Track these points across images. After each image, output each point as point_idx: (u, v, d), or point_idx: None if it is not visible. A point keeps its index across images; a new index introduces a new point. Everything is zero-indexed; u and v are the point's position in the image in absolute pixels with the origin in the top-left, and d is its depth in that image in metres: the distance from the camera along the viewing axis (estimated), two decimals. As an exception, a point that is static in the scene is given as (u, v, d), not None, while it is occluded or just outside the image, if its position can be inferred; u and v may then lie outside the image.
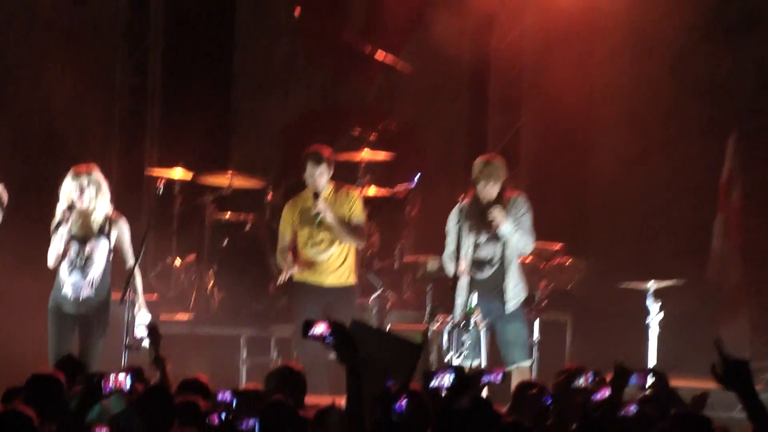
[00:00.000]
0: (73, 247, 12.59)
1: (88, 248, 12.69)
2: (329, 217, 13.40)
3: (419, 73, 17.19)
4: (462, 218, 12.94)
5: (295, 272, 13.76)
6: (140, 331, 10.81)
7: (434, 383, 8.22)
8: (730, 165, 15.35)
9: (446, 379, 8.08)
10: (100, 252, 12.58)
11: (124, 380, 7.41)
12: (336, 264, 13.78)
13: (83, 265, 12.71)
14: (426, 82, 17.44)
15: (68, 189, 12.48)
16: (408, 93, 17.61)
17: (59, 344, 12.36)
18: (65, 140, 17.54)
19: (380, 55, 16.67)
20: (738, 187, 15.47)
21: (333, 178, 13.67)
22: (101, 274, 12.58)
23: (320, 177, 13.37)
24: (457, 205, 13.09)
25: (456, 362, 12.39)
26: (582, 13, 17.07)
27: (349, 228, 13.69)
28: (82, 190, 12.50)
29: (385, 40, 17.03)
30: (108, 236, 12.64)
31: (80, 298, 12.63)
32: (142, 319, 12.72)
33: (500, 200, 12.68)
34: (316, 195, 13.31)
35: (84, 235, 12.59)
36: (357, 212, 13.74)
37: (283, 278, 13.96)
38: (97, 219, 12.54)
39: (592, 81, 17.31)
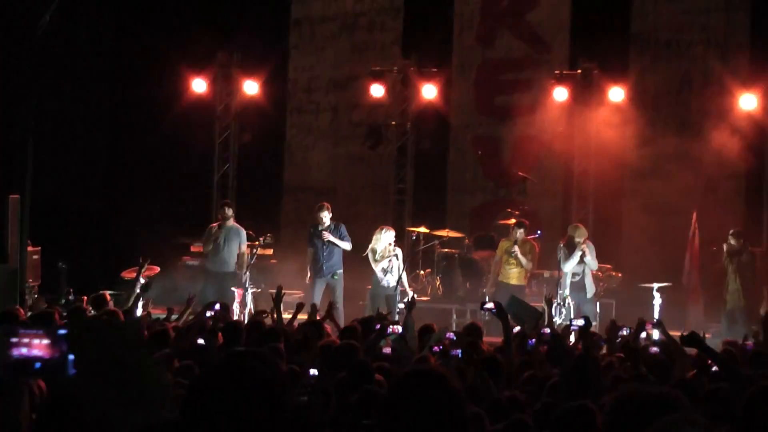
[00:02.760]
0: (388, 263, 16.61)
1: (392, 263, 16.62)
2: (519, 254, 17.23)
3: (538, 182, 20.75)
4: (564, 251, 16.97)
5: (490, 286, 17.28)
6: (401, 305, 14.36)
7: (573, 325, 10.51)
8: (693, 226, 18.77)
9: (579, 321, 10.15)
10: (396, 265, 16.62)
11: (397, 329, 9.69)
12: (516, 274, 17.41)
13: (390, 271, 16.64)
14: (541, 187, 20.89)
15: (389, 236, 16.61)
16: (533, 192, 21.01)
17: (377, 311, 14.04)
18: (367, 214, 21.10)
19: (520, 173, 20.39)
20: (697, 236, 18.75)
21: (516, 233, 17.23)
22: (396, 276, 16.44)
23: (519, 233, 17.40)
24: (560, 244, 17.09)
25: (558, 321, 15.52)
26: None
27: (523, 260, 17.18)
28: (393, 238, 16.71)
29: (522, 166, 20.55)
30: (397, 258, 16.66)
31: (389, 286, 16.54)
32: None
33: (582, 243, 16.84)
34: (515, 242, 17.27)
35: (389, 256, 16.63)
36: (531, 255, 17.36)
37: (487, 286, 17.54)
38: (391, 249, 16.66)
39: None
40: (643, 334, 10.77)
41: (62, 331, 2.39)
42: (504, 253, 17.41)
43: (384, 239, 16.68)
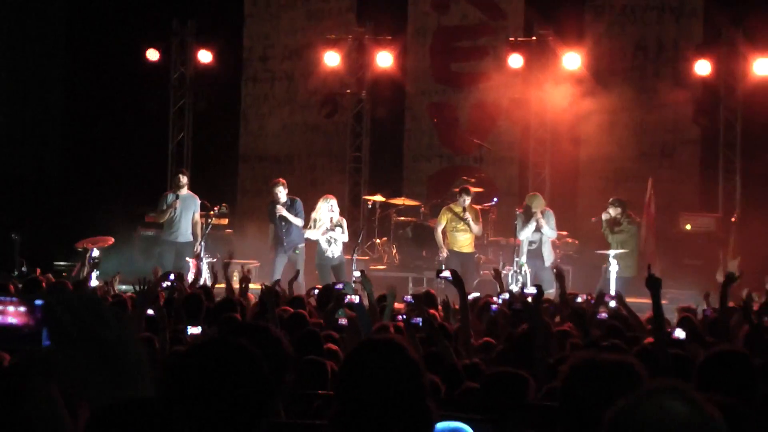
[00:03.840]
0: (329, 234, 16.53)
1: (334, 234, 16.61)
2: (470, 219, 16.98)
3: (494, 150, 21.02)
4: (521, 219, 17.00)
5: (444, 252, 16.96)
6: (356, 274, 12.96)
7: (525, 292, 10.36)
8: (649, 192, 18.74)
9: (532, 290, 9.31)
10: (339, 236, 16.65)
11: (354, 299, 9.15)
12: (467, 241, 17.24)
13: (334, 242, 16.68)
14: (497, 154, 21.23)
15: (328, 205, 16.53)
16: (489, 159, 21.41)
17: (326, 282, 14.53)
18: (323, 183, 21.02)
19: (476, 141, 20.67)
20: (653, 202, 18.67)
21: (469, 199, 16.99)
22: (341, 247, 16.71)
23: (467, 200, 17.09)
24: (518, 212, 17.26)
25: (515, 289, 15.45)
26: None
27: (475, 226, 16.99)
28: (333, 207, 16.64)
29: (478, 134, 20.73)
30: (341, 227, 16.66)
31: (333, 257, 16.69)
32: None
33: (540, 212, 16.82)
34: (464, 209, 17.07)
35: (331, 227, 16.52)
36: (477, 219, 17.23)
37: (443, 252, 17.18)
38: (335, 219, 16.62)
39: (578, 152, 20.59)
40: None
41: (39, 302, 2.27)
42: (451, 220, 17.23)
43: (323, 208, 16.69)
